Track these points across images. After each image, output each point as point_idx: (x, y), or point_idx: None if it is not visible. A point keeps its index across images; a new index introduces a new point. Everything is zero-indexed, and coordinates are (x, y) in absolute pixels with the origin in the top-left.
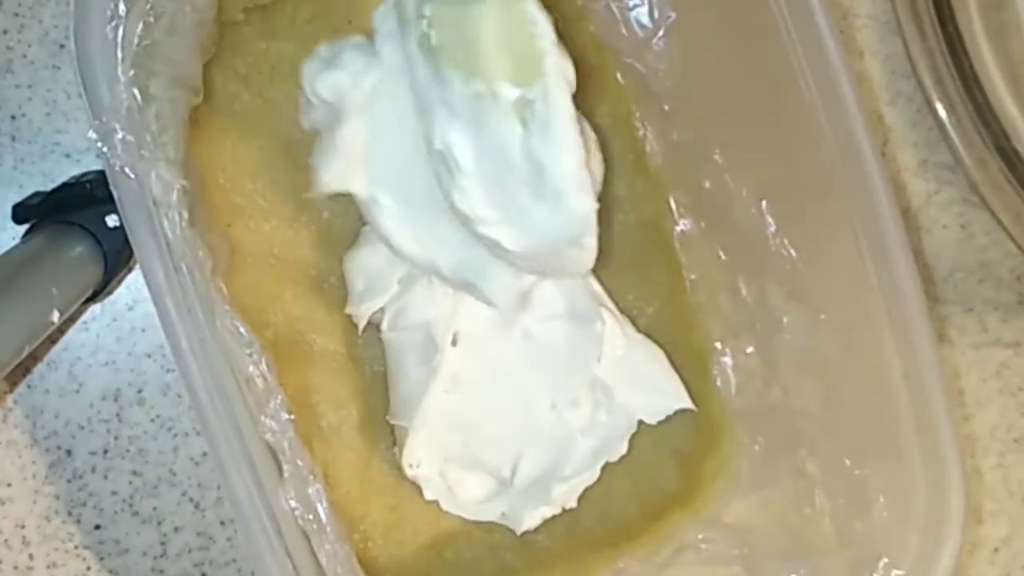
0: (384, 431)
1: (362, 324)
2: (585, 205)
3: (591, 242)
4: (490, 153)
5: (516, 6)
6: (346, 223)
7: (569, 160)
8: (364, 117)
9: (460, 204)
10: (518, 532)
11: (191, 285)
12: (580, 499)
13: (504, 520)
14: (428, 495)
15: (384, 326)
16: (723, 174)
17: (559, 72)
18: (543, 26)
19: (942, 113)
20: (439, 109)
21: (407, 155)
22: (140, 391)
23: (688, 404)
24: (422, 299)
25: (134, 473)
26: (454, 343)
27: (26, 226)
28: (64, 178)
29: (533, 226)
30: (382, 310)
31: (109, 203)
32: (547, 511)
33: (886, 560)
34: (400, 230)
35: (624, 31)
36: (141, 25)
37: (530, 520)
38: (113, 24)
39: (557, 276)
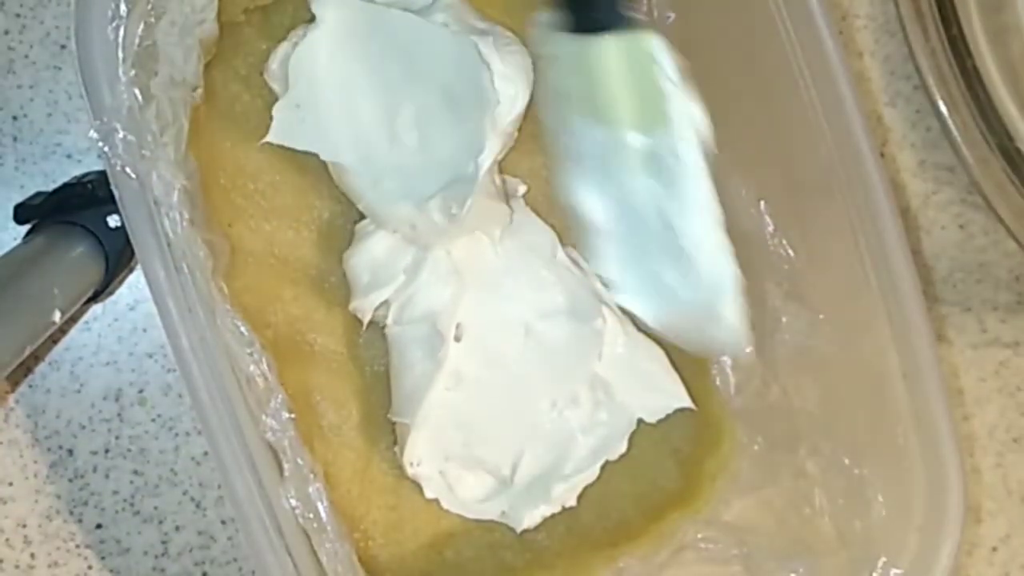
0: (384, 430)
1: (367, 318)
2: (721, 270)
3: (732, 315)
4: (620, 210)
5: (637, 42)
6: (346, 223)
7: (701, 221)
8: (307, 78)
9: (603, 272)
10: (518, 530)
11: (192, 285)
12: (580, 498)
13: (504, 519)
14: (428, 493)
15: (389, 320)
16: (722, 174)
17: (685, 117)
18: (669, 65)
19: (944, 113)
20: (570, 165)
21: (350, 110)
22: (141, 391)
23: (688, 403)
24: (427, 287)
25: (135, 472)
26: (458, 338)
27: (28, 226)
28: (65, 178)
29: (666, 293)
30: (386, 305)
31: (110, 203)
32: (547, 510)
33: (885, 559)
34: (358, 180)
35: None
36: (142, 25)
37: (530, 519)
38: (114, 24)
39: (708, 355)
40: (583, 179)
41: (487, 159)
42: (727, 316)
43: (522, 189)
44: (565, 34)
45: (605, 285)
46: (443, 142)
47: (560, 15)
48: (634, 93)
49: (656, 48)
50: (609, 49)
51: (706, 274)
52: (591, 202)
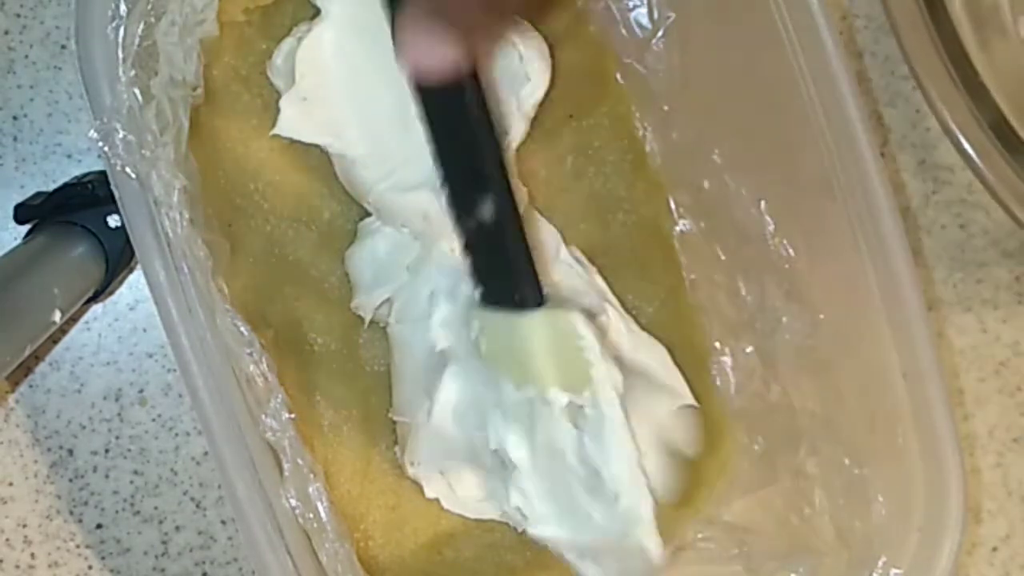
0: (385, 430)
1: (369, 316)
2: (640, 507)
3: (652, 544)
4: (545, 453)
5: (562, 319)
6: (347, 223)
7: (622, 465)
8: (314, 71)
9: (517, 502)
10: (519, 530)
11: (192, 285)
12: None
13: (506, 517)
14: (429, 493)
15: (391, 318)
16: (722, 174)
17: (607, 381)
18: (589, 339)
19: (943, 111)
20: (494, 411)
21: (361, 103)
22: (141, 391)
23: (691, 400)
24: (431, 286)
25: (135, 472)
26: None
27: (28, 226)
28: (66, 178)
29: (589, 523)
30: (388, 303)
31: (110, 203)
32: None
33: (885, 559)
34: (365, 170)
35: (624, 32)
36: (142, 25)
37: None
38: (114, 24)
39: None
40: (510, 425)
41: (514, 140)
42: (645, 542)
43: (523, 190)
44: (492, 309)
45: (524, 517)
46: None
47: (486, 293)
48: (559, 360)
49: (579, 324)
50: (535, 325)
51: (624, 507)
52: (517, 444)
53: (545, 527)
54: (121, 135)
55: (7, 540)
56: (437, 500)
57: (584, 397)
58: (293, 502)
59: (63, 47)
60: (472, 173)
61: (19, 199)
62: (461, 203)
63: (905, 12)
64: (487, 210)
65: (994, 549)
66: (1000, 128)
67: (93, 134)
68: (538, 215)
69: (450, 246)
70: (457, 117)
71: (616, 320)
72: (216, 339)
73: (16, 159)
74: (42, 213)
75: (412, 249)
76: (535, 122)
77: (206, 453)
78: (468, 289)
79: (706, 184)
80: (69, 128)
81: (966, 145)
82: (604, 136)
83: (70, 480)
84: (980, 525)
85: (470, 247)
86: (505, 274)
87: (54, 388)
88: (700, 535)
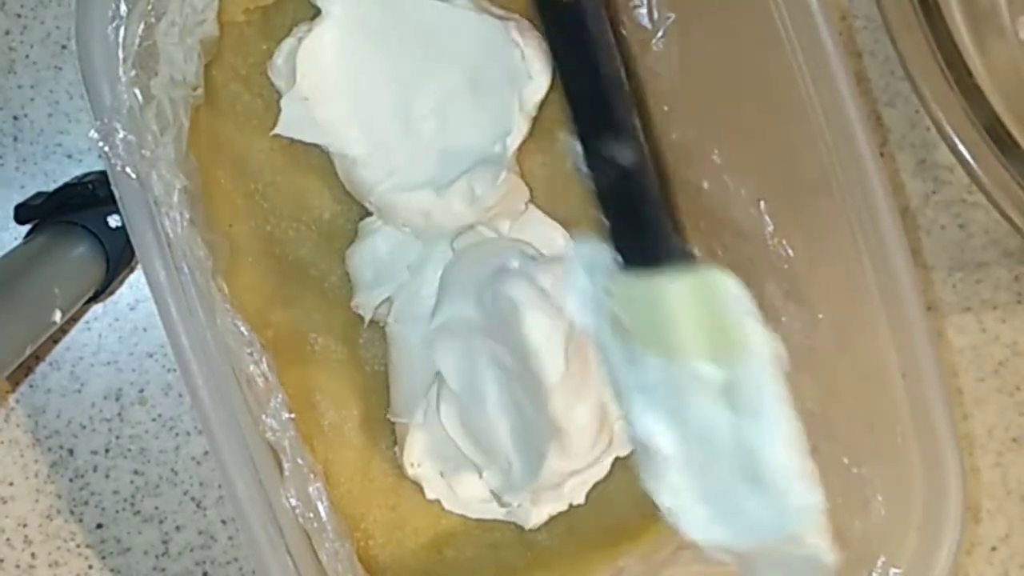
0: (385, 430)
1: (369, 315)
2: (809, 500)
3: (824, 546)
4: (697, 442)
5: (711, 278)
6: (347, 223)
7: (786, 449)
8: (315, 71)
9: (667, 502)
10: (526, 528)
11: (192, 285)
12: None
13: (511, 516)
14: (430, 494)
15: (391, 318)
16: (722, 174)
17: (766, 350)
18: (744, 301)
19: (938, 113)
20: (636, 396)
21: (366, 104)
22: (142, 390)
23: None
24: (430, 285)
25: (136, 472)
26: None
27: (28, 226)
28: (66, 178)
29: (748, 522)
30: (388, 302)
31: (111, 203)
32: (556, 507)
33: (884, 559)
34: (366, 169)
35: (624, 32)
36: (142, 25)
37: (538, 516)
38: (114, 24)
39: None
40: (652, 410)
41: (516, 139)
42: (812, 542)
43: (524, 189)
44: (623, 269)
45: (678, 520)
46: (466, 127)
47: (625, 255)
48: (706, 328)
49: (731, 284)
50: (679, 287)
51: (789, 501)
52: (660, 432)
53: (704, 530)
54: (121, 135)
55: (7, 540)
56: (438, 501)
57: (739, 369)
58: (293, 502)
59: (63, 47)
60: (605, 116)
61: (20, 199)
62: (596, 151)
63: (900, 13)
64: (623, 155)
65: (993, 548)
66: (995, 130)
67: (93, 134)
68: (540, 212)
69: (451, 247)
70: (586, 46)
71: None
72: (216, 339)
73: (17, 159)
74: (43, 213)
75: (413, 248)
76: (535, 122)
77: (206, 453)
78: (604, 259)
79: (706, 184)
80: (69, 128)
81: (961, 147)
82: None
83: (70, 480)
84: (979, 524)
85: (607, 205)
86: (644, 228)
87: (54, 388)
88: None
